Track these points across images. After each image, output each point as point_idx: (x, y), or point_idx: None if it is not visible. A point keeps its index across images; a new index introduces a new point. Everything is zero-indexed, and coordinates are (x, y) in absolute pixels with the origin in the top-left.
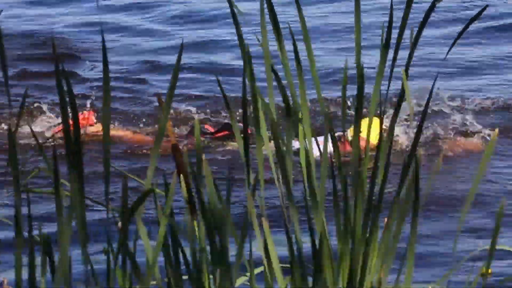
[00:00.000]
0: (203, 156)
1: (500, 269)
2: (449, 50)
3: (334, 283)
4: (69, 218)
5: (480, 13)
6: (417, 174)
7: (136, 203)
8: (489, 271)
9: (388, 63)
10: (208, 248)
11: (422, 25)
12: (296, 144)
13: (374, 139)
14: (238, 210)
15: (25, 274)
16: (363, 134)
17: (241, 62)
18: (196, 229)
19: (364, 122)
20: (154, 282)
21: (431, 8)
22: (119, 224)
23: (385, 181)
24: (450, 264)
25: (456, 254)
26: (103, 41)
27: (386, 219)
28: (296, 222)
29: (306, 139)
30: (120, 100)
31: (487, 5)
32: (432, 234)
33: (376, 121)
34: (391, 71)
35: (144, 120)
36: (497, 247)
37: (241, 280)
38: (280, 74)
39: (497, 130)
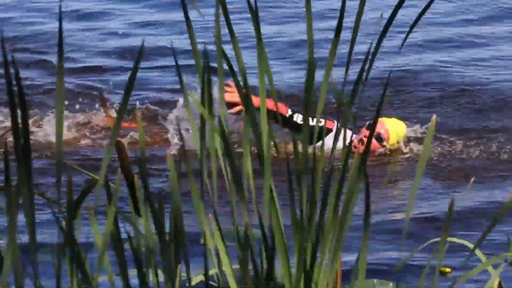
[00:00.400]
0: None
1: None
2: (403, 42)
3: (289, 280)
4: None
5: (429, 5)
6: (365, 172)
7: (79, 197)
8: (448, 270)
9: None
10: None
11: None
12: None
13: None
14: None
15: None
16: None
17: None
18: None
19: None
20: (105, 277)
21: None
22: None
23: (344, 176)
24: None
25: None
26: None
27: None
28: (247, 217)
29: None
30: None
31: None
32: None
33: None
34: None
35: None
36: (448, 239)
37: (199, 279)
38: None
39: (434, 116)
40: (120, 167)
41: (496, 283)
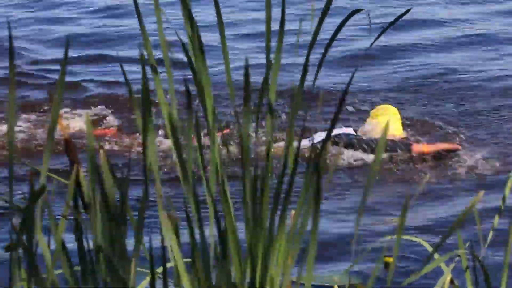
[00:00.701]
0: (104, 148)
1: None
2: (373, 42)
3: (240, 277)
4: None
5: (402, 15)
6: (318, 168)
7: (30, 199)
8: (391, 259)
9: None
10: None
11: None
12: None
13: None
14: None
15: None
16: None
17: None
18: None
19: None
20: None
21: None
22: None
23: (294, 176)
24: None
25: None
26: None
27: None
28: (196, 215)
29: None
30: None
31: (409, 9)
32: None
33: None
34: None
35: None
36: (402, 237)
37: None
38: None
39: (388, 121)
40: (69, 161)
41: (448, 279)
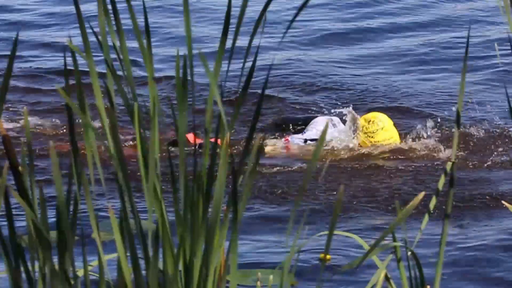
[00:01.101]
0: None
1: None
2: (292, 21)
3: (174, 271)
4: None
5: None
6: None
7: None
8: (328, 257)
9: None
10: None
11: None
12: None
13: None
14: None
15: None
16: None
17: None
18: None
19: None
20: None
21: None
22: None
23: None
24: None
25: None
26: None
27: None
28: (128, 209)
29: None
30: None
31: None
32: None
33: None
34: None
35: None
36: (335, 232)
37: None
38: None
39: (327, 122)
40: (7, 159)
41: (383, 275)
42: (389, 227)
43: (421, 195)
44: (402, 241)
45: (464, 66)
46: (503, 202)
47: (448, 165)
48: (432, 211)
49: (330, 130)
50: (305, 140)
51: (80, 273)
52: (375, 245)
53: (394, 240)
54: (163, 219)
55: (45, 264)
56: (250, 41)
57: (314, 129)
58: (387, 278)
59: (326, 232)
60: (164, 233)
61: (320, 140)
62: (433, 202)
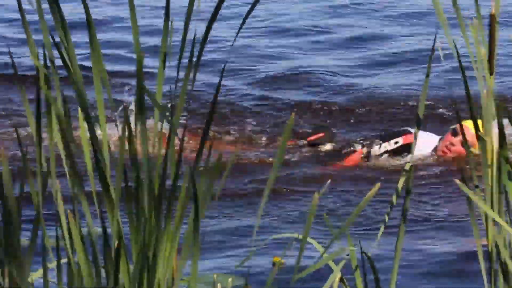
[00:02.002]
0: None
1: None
2: (236, 35)
3: (128, 278)
4: None
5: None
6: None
7: None
8: (282, 261)
9: None
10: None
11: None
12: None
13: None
14: None
15: None
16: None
17: None
18: None
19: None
20: None
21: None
22: None
23: (177, 175)
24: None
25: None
26: None
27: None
28: (88, 214)
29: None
30: None
31: None
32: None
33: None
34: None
35: None
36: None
37: (37, 275)
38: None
39: (293, 114)
40: None
41: (338, 278)
42: (341, 228)
43: (376, 186)
44: (357, 245)
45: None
46: (455, 180)
47: (406, 169)
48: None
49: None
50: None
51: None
52: (328, 246)
53: (350, 244)
54: (118, 225)
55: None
56: None
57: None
58: (342, 282)
59: (280, 235)
60: (120, 241)
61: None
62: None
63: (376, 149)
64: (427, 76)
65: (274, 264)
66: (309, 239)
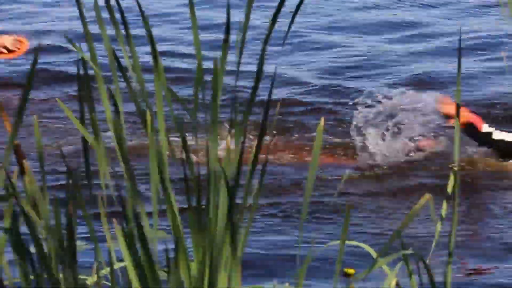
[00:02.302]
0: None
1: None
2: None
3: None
4: None
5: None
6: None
7: None
8: (352, 271)
9: None
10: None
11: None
12: None
13: None
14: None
15: None
16: None
17: None
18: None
19: None
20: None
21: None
22: None
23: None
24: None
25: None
26: None
27: None
28: (145, 218)
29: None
30: None
31: None
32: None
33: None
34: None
35: None
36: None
37: (93, 280)
38: None
39: (322, 119)
40: (20, 170)
41: (393, 283)
42: (395, 232)
43: (426, 197)
44: (412, 248)
45: None
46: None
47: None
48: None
49: None
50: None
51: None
52: (382, 251)
53: (403, 247)
54: (178, 227)
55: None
56: None
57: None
58: (397, 286)
59: (337, 242)
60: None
61: None
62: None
63: (496, 132)
64: None
65: (345, 274)
66: (361, 244)
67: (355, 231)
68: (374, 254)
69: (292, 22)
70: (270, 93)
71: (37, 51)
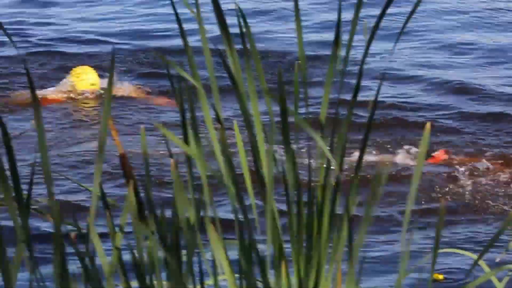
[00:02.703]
0: (172, 161)
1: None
2: (394, 45)
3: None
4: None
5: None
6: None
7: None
8: (441, 276)
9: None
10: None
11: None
12: None
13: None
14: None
15: None
16: None
17: None
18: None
19: None
20: None
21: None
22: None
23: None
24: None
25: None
26: None
27: None
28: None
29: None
30: None
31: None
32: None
33: None
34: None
35: None
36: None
37: None
38: None
39: (428, 124)
40: (125, 179)
41: None
42: (492, 239)
43: None
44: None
45: None
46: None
47: None
48: None
49: None
50: None
51: None
52: (479, 258)
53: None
54: (277, 236)
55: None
56: None
57: None
58: None
59: (447, 250)
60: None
61: None
62: None
63: None
64: None
65: (434, 279)
66: (463, 252)
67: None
68: (474, 257)
69: None
70: None
71: None
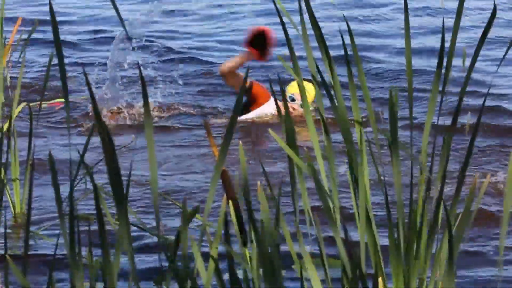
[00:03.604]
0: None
1: None
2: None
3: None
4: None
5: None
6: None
7: (180, 230)
8: None
9: None
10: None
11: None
12: None
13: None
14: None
15: None
16: None
17: None
18: (247, 255)
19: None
20: None
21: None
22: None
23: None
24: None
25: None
26: None
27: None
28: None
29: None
30: None
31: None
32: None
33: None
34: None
35: None
36: None
37: None
38: None
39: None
40: (226, 196)
41: None
42: None
43: None
44: None
45: None
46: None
47: None
48: None
49: None
50: None
51: None
52: None
53: None
54: (376, 248)
55: None
56: None
57: None
58: None
59: None
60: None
61: None
62: None
63: None
64: None
65: None
66: None
67: None
68: None
69: None
70: None
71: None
